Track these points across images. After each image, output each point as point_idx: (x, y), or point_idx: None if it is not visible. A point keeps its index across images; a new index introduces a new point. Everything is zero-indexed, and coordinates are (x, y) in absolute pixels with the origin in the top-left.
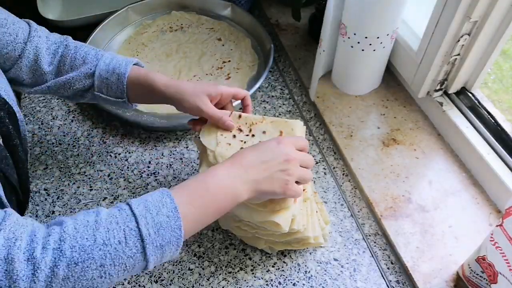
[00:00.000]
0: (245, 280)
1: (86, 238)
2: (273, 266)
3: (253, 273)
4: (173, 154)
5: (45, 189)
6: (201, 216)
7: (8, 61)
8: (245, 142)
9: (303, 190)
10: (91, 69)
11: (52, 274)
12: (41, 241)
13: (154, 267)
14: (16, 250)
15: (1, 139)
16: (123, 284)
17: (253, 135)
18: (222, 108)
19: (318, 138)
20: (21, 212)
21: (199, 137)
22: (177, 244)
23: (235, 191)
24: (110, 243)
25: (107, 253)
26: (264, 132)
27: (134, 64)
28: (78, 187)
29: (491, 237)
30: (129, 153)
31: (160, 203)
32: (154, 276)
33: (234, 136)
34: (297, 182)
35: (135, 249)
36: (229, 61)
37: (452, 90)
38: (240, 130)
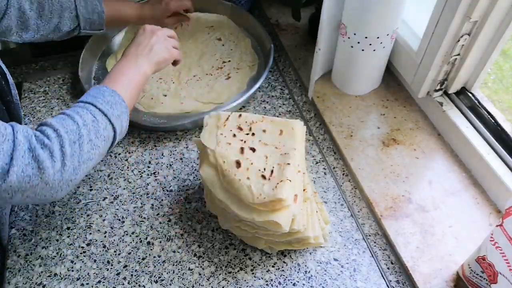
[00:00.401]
0: (245, 280)
1: (71, 124)
2: (273, 266)
3: (253, 273)
4: (173, 154)
5: None
6: (129, 90)
7: None
8: (245, 141)
9: (303, 190)
10: (72, 12)
11: (62, 153)
12: (43, 134)
13: (154, 266)
14: (34, 142)
15: None
16: (123, 284)
17: (253, 134)
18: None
19: (318, 138)
20: None
21: (199, 137)
22: (126, 112)
23: (141, 68)
24: (87, 123)
25: (89, 130)
26: (264, 131)
27: None
28: (78, 187)
29: (491, 237)
30: (129, 153)
31: (101, 92)
32: (154, 276)
33: (234, 135)
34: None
35: (103, 121)
36: (229, 61)
37: (452, 90)
38: (240, 128)
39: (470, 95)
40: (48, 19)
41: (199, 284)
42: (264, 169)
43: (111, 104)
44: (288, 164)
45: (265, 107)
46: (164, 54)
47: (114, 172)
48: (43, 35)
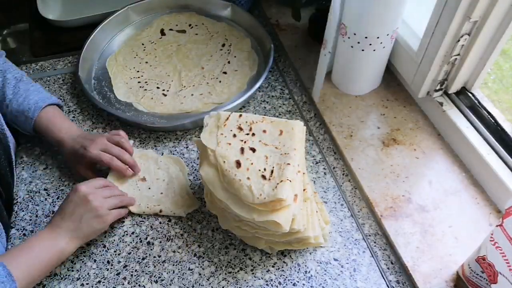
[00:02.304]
0: (245, 280)
1: None
2: (273, 266)
3: (253, 273)
4: (173, 154)
5: (45, 189)
6: (31, 269)
7: None
8: (245, 141)
9: (303, 190)
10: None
11: None
12: None
13: (154, 266)
14: None
15: None
16: (123, 284)
17: (253, 134)
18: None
19: (318, 138)
20: (8, 214)
21: (199, 137)
22: None
23: (58, 245)
24: None
25: None
26: (264, 131)
27: (48, 105)
28: None
29: (491, 237)
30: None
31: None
32: (154, 276)
33: (235, 135)
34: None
35: None
36: (229, 61)
37: (452, 90)
38: (241, 129)
39: (470, 95)
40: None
41: (199, 284)
42: (264, 169)
43: None
44: (288, 164)
45: (265, 107)
46: (95, 225)
47: None
48: None
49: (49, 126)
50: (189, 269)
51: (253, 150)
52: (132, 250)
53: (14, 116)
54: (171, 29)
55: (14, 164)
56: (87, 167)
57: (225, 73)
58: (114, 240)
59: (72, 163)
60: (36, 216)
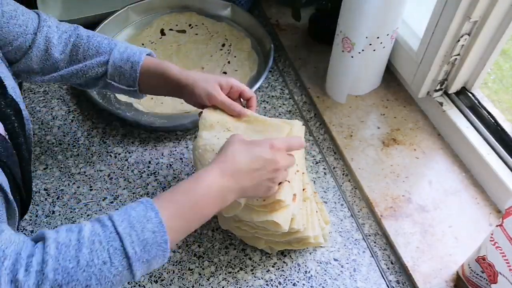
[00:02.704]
0: (245, 280)
1: (69, 260)
2: (273, 266)
3: (253, 273)
4: (173, 154)
5: (45, 189)
6: (186, 226)
7: (19, 52)
8: None
9: (303, 189)
10: (105, 58)
11: None
12: (25, 262)
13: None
14: (3, 270)
15: (8, 136)
16: (123, 284)
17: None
18: None
19: (318, 138)
20: (24, 212)
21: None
22: (163, 256)
23: (222, 200)
24: (94, 264)
25: (92, 274)
26: (263, 131)
27: (147, 55)
28: (78, 187)
29: (491, 237)
30: (129, 153)
31: (145, 218)
32: (154, 276)
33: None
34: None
35: (121, 267)
36: (229, 61)
37: (452, 90)
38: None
39: (470, 95)
40: (77, 62)
41: (199, 284)
42: None
43: (145, 244)
44: None
45: (265, 107)
46: (260, 193)
47: (114, 172)
48: (64, 77)
49: (163, 67)
50: (189, 269)
51: None
52: None
53: (118, 67)
54: (171, 29)
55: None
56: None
57: (225, 73)
58: None
59: (198, 105)
60: (36, 216)
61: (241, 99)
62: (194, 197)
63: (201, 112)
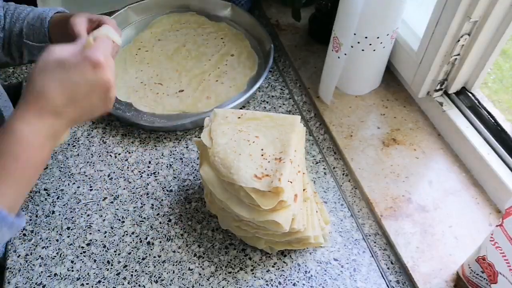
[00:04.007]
0: (245, 280)
1: None
2: (273, 266)
3: (253, 273)
4: (173, 154)
5: (45, 189)
6: (20, 185)
7: None
8: (248, 140)
9: (303, 190)
10: (22, 19)
11: None
12: None
13: (154, 266)
14: None
15: None
16: (123, 284)
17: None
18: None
19: (318, 138)
20: None
21: (199, 137)
22: (5, 223)
23: (51, 141)
24: None
25: None
26: (274, 126)
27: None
28: (78, 187)
29: (491, 237)
30: (129, 153)
31: None
32: (154, 276)
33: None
34: None
35: None
36: (229, 61)
37: (452, 90)
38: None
39: (470, 95)
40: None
41: (199, 284)
42: (265, 169)
43: None
44: (285, 162)
45: (265, 107)
46: (97, 114)
47: (114, 172)
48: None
49: (67, 15)
50: (189, 269)
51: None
52: (132, 250)
53: (31, 25)
54: (171, 29)
55: None
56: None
57: (225, 73)
58: (114, 240)
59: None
60: (36, 216)
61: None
62: (12, 156)
63: (198, 139)
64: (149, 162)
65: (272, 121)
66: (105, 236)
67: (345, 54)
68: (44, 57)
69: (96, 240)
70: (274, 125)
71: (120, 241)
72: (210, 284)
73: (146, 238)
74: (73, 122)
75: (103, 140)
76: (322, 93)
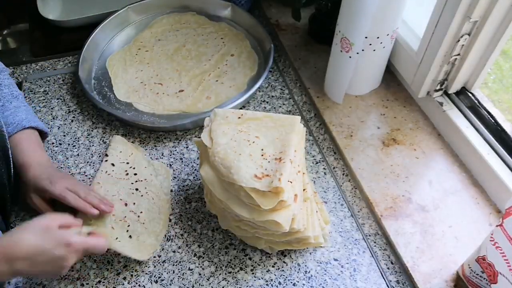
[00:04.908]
0: (245, 280)
1: None
2: (273, 266)
3: (253, 273)
4: (173, 154)
5: None
6: None
7: None
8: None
9: (303, 189)
10: None
11: None
12: None
13: (154, 266)
14: None
15: None
16: (123, 284)
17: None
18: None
19: (318, 138)
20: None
21: (199, 137)
22: None
23: None
24: None
25: None
26: (275, 126)
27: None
28: None
29: (491, 237)
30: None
31: None
32: (154, 276)
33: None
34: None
35: None
36: (229, 61)
37: (452, 90)
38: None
39: (470, 95)
40: None
41: (199, 284)
42: (266, 169)
43: None
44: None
45: (265, 107)
46: (46, 275)
47: None
48: None
49: (19, 146)
50: (189, 269)
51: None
52: None
53: None
54: (171, 29)
55: (11, 162)
56: (45, 201)
57: (225, 73)
58: None
59: (28, 192)
60: (37, 216)
61: None
62: None
63: (198, 139)
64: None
65: (273, 121)
66: None
67: (357, 53)
68: (39, 221)
69: None
70: (274, 125)
71: None
72: (210, 284)
73: None
74: (17, 273)
75: (103, 140)
76: (332, 93)
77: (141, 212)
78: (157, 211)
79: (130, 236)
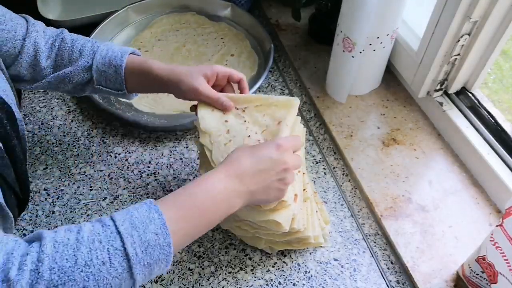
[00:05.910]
0: (245, 280)
1: (66, 259)
2: (273, 266)
3: (253, 273)
4: (173, 154)
5: (45, 189)
6: (191, 230)
7: (8, 58)
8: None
9: (303, 189)
10: (88, 62)
11: None
12: (18, 261)
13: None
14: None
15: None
16: None
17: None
18: (221, 90)
19: (318, 138)
20: (20, 212)
21: (199, 137)
22: (166, 261)
23: (229, 204)
24: (93, 264)
25: (90, 274)
26: (260, 116)
27: (130, 53)
28: (78, 187)
29: (491, 237)
30: (129, 153)
31: (147, 219)
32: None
33: (226, 121)
34: None
35: (121, 268)
36: (229, 61)
37: (452, 90)
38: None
39: (470, 95)
40: (63, 67)
41: (199, 284)
42: None
43: (146, 245)
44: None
45: None
46: (271, 197)
47: (114, 172)
48: (52, 83)
49: (146, 66)
50: (189, 269)
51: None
52: None
53: (102, 72)
54: (171, 29)
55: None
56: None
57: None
58: None
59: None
60: (36, 216)
61: (231, 83)
62: (199, 200)
63: (193, 106)
64: (149, 162)
65: (270, 104)
66: None
67: (360, 52)
68: (242, 147)
69: None
70: (274, 111)
71: None
72: (210, 284)
73: None
74: (251, 195)
75: (103, 140)
76: (335, 93)
77: None
78: None
79: None
